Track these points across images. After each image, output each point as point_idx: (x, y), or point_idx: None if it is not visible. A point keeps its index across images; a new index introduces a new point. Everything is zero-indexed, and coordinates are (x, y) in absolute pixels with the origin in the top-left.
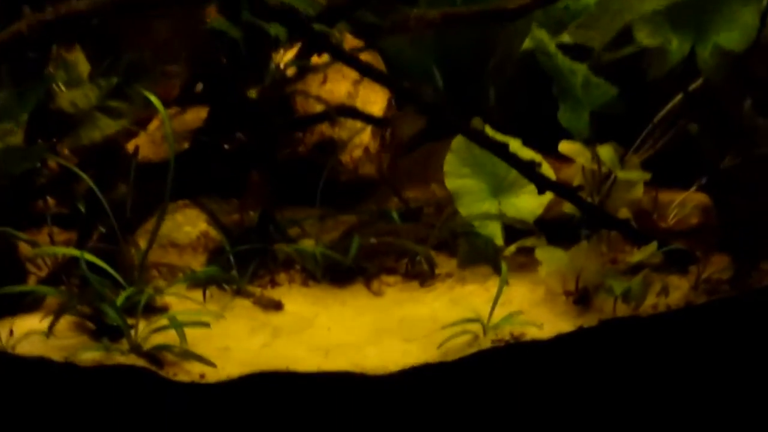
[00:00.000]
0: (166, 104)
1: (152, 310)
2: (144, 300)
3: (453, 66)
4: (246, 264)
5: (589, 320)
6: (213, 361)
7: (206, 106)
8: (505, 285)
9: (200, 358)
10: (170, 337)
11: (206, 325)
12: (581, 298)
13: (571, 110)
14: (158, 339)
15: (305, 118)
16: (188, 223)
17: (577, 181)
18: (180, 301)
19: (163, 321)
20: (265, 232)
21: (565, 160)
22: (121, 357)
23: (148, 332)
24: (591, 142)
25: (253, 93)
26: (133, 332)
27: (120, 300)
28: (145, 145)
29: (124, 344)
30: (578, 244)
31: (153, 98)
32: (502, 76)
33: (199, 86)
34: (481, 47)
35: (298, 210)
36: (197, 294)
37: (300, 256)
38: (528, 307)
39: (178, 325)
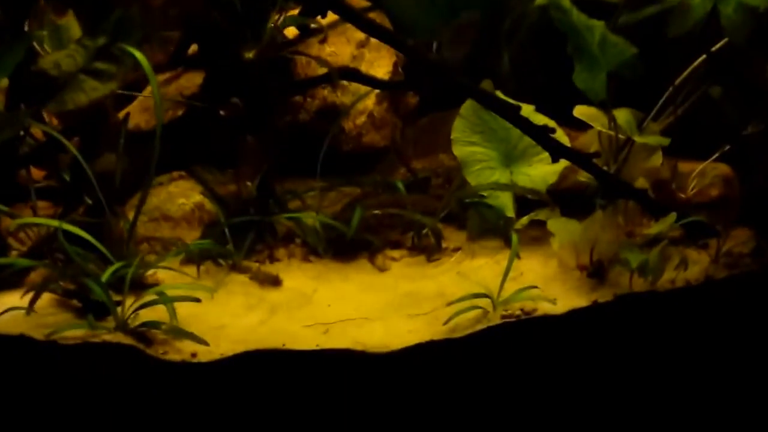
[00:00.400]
0: (162, 70)
1: (142, 286)
2: (131, 274)
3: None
4: (243, 238)
5: (604, 295)
6: (206, 339)
7: (203, 70)
8: (517, 259)
9: (192, 336)
10: (161, 314)
11: (197, 300)
12: (596, 271)
13: (587, 70)
14: (148, 316)
15: (305, 81)
16: (182, 195)
17: (593, 150)
18: (172, 276)
19: (152, 296)
20: (264, 204)
21: (581, 129)
22: (107, 335)
23: (136, 309)
24: (607, 106)
25: (249, 54)
26: (119, 309)
27: (106, 275)
28: (137, 111)
29: (111, 322)
30: (592, 214)
31: (140, 57)
32: (516, 40)
33: (194, 48)
34: (493, 9)
35: (299, 181)
36: (191, 270)
37: (300, 230)
38: (540, 282)
39: (167, 300)
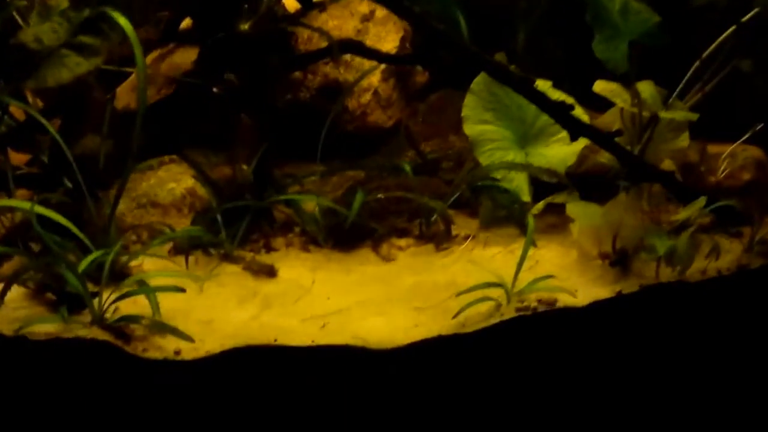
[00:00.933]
0: (155, 46)
1: (126, 277)
2: (109, 263)
3: (478, 5)
4: (237, 226)
5: (629, 285)
6: (192, 335)
7: (197, 45)
8: (533, 247)
9: (176, 332)
10: (144, 308)
11: (181, 290)
12: (619, 260)
13: (607, 40)
14: (129, 309)
15: (305, 56)
16: (172, 180)
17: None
18: (158, 266)
19: (132, 287)
20: (261, 189)
21: (602, 108)
22: (81, 330)
23: (114, 301)
24: (630, 79)
25: (245, 27)
26: (96, 302)
27: (83, 264)
28: (127, 90)
29: (87, 315)
30: (615, 197)
31: (125, 23)
32: (533, 16)
33: (188, 22)
34: None
35: (299, 164)
36: (179, 260)
37: (299, 217)
38: (559, 271)
39: (149, 291)
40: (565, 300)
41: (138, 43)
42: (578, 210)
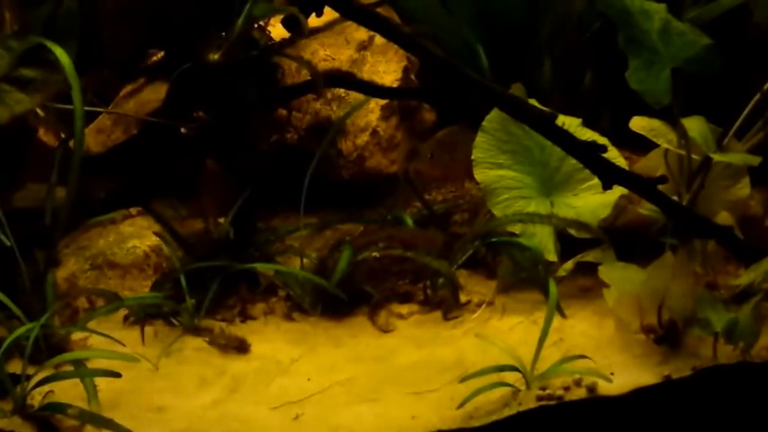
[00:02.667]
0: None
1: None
2: (33, 338)
3: (496, 30)
4: (206, 290)
5: (679, 368)
6: (135, 428)
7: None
8: (560, 317)
9: (111, 424)
10: (79, 392)
11: (116, 375)
12: (666, 335)
13: (645, 67)
14: (64, 395)
15: (286, 90)
16: (135, 236)
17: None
18: (106, 341)
19: (56, 369)
20: (241, 246)
21: (642, 149)
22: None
23: (35, 385)
24: (674, 114)
25: (214, 56)
26: (19, 388)
27: (7, 342)
28: (91, 131)
29: (9, 403)
30: (660, 258)
31: (60, 54)
32: (560, 44)
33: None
34: (532, 5)
35: (287, 216)
36: (135, 332)
37: (282, 279)
38: (591, 348)
39: (76, 375)
40: (600, 386)
41: (75, 77)
42: (615, 273)
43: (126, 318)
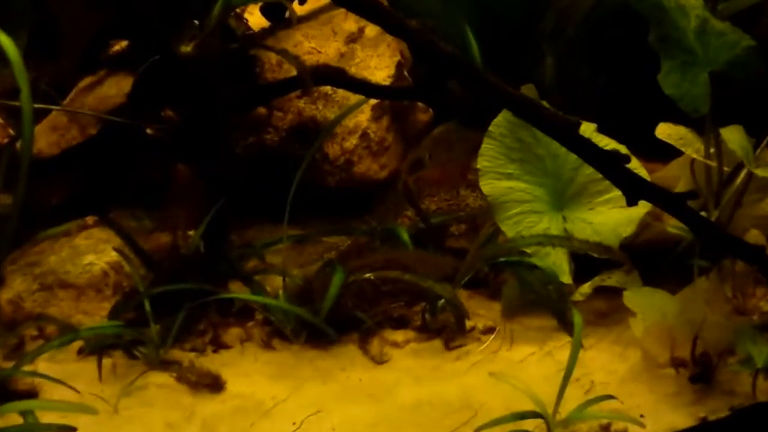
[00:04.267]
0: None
1: (11, 396)
2: None
3: (494, 25)
4: (174, 315)
5: (716, 408)
6: None
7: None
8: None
9: None
10: None
11: (71, 429)
12: (700, 371)
13: (680, 70)
14: None
15: (269, 87)
16: (92, 251)
17: (682, 188)
18: (59, 375)
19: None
20: (211, 263)
21: (659, 158)
22: None
23: None
24: (709, 123)
25: (187, 48)
26: None
27: None
28: (44, 130)
29: None
30: (693, 283)
31: (12, 53)
32: (562, 41)
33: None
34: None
35: (264, 228)
36: (92, 365)
37: (262, 301)
38: (615, 385)
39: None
40: (627, 430)
41: (23, 71)
42: (642, 300)
43: (81, 351)
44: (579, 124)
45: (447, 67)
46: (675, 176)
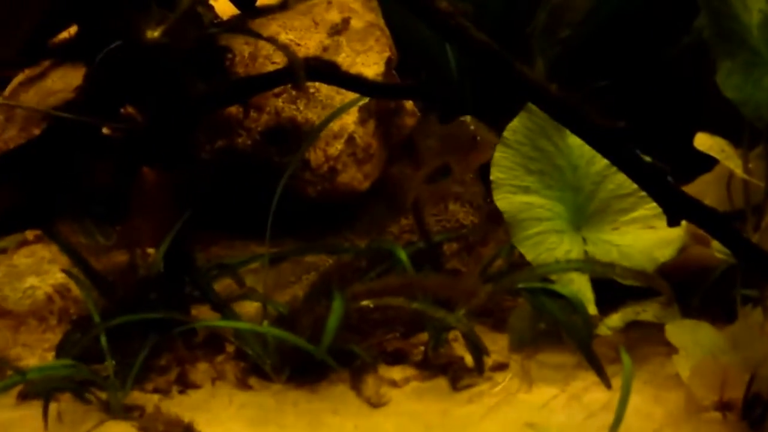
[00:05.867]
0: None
1: None
2: None
3: (477, 20)
4: (133, 348)
5: None
6: None
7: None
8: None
9: None
10: None
11: None
12: (758, 416)
13: (743, 71)
14: None
15: (248, 81)
16: (34, 271)
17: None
18: None
19: None
20: (175, 286)
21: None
22: None
23: None
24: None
25: (154, 34)
26: None
27: None
28: None
29: None
30: (745, 317)
31: None
32: (556, 40)
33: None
34: None
35: (235, 244)
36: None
37: (235, 334)
38: None
39: None
40: None
41: None
42: (686, 336)
43: (24, 395)
44: (627, 132)
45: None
46: (698, 194)
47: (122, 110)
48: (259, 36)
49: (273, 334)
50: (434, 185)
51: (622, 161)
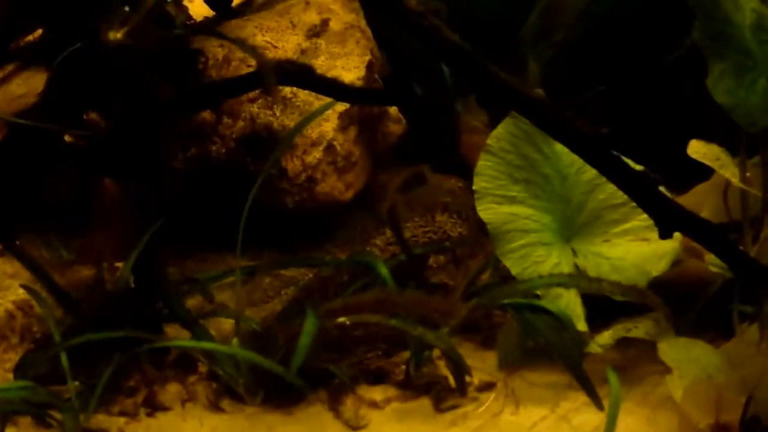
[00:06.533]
0: None
1: None
2: None
3: (466, 20)
4: (99, 369)
5: None
6: None
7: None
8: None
9: None
10: None
11: None
12: None
13: (735, 74)
14: None
15: (219, 85)
16: None
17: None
18: None
19: None
20: (144, 301)
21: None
22: None
23: None
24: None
25: (117, 35)
26: None
27: None
28: None
29: None
30: (740, 333)
31: None
32: (550, 42)
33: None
34: None
35: (208, 257)
36: None
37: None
38: None
39: None
40: None
41: None
42: (680, 355)
43: None
44: (613, 139)
45: (450, 62)
46: (693, 205)
47: (85, 116)
48: (224, 37)
49: (238, 356)
50: (416, 194)
51: (609, 170)
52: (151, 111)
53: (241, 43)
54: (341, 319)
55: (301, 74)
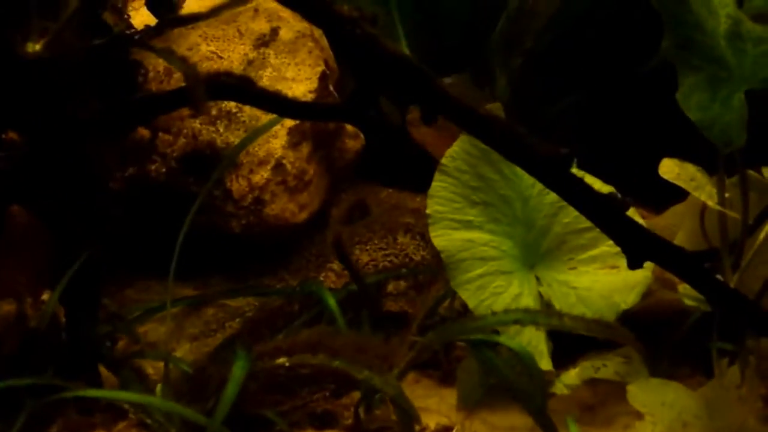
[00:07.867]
0: None
1: None
2: None
3: (431, 28)
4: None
5: None
6: None
7: None
8: None
9: None
10: None
11: None
12: None
13: (709, 87)
14: None
15: (146, 100)
16: None
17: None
18: None
19: None
20: (71, 342)
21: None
22: None
23: None
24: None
25: (35, 47)
26: None
27: None
28: None
29: None
30: (719, 375)
31: None
32: (520, 51)
33: None
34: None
35: (149, 287)
36: None
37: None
38: None
39: None
40: None
41: None
42: (652, 398)
43: None
44: (571, 159)
45: (390, 74)
46: (669, 227)
47: (3, 136)
48: (149, 48)
49: (168, 407)
50: (378, 214)
51: (570, 193)
52: (71, 128)
53: (166, 54)
54: (280, 360)
55: (240, 87)
